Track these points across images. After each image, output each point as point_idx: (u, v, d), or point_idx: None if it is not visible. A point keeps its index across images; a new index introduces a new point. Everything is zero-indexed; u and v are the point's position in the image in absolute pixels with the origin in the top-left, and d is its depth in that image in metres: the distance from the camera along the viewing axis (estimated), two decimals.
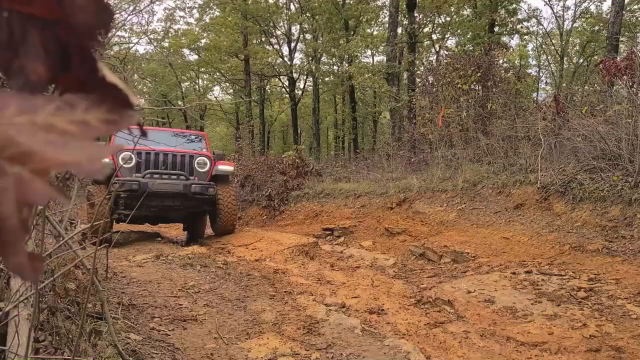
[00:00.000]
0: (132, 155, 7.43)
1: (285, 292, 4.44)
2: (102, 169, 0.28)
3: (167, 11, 25.07)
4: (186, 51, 25.73)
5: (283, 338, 3.15)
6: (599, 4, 24.57)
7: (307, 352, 2.89)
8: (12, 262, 0.26)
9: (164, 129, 9.92)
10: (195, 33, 24.56)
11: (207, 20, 23.78)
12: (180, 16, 31.90)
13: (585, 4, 23.77)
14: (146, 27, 22.27)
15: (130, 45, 22.52)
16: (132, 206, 5.85)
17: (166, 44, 25.19)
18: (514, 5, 22.13)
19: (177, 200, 7.84)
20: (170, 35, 24.96)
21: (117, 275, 4.99)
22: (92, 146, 0.29)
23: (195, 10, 24.74)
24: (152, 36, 23.81)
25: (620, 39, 21.31)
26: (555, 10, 29.32)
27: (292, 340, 3.12)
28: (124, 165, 7.43)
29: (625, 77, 8.70)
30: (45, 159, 0.27)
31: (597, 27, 23.07)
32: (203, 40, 24.44)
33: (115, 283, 4.59)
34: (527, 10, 24.04)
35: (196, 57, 25.62)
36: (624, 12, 18.16)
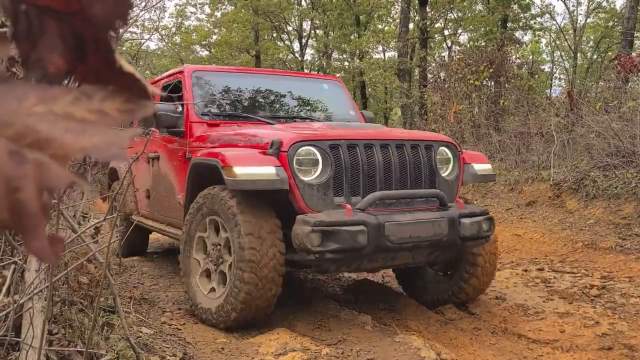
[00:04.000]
0: (317, 155, 3.20)
1: None
2: (120, 154, 0.28)
3: (178, 7, 25.12)
4: (197, 47, 25.81)
5: (293, 334, 3.16)
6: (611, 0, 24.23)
7: (317, 347, 2.90)
8: (34, 246, 0.27)
9: (265, 70, 5.37)
10: (206, 29, 24.62)
11: (219, 16, 23.83)
12: (191, 12, 32.06)
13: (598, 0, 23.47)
14: (158, 23, 22.37)
15: (142, 41, 22.62)
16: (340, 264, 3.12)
17: (177, 40, 25.28)
18: (527, 1, 21.92)
19: (428, 254, 3.42)
20: (181, 31, 25.04)
21: (129, 269, 5.03)
22: (110, 132, 0.30)
23: (206, 6, 24.79)
24: (163, 32, 23.91)
25: (635, 34, 21.03)
26: (568, 6, 29.01)
27: (302, 336, 3.13)
28: (308, 180, 3.15)
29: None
30: (65, 145, 0.27)
31: (611, 23, 22.77)
32: (214, 37, 24.50)
33: (127, 277, 4.63)
34: (540, 6, 23.77)
35: (207, 53, 25.69)
36: (639, 8, 17.90)
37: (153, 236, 6.09)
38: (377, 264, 3.33)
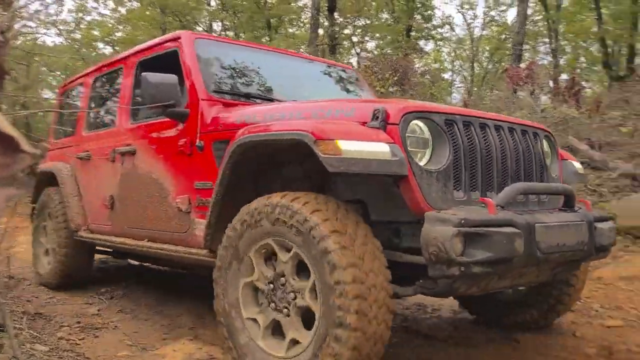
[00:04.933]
0: (426, 132, 2.35)
1: None
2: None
3: (77, 3, 23.72)
4: (100, 44, 24.54)
5: (200, 343, 3.13)
6: (504, 14, 26.18)
7: (224, 356, 2.89)
8: None
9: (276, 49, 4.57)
10: (110, 25, 23.48)
11: (124, 12, 22.82)
12: (92, 7, 30.33)
13: (492, 13, 25.26)
14: (55, 17, 21.00)
15: (38, 35, 21.13)
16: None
17: (78, 36, 23.88)
18: (429, 12, 23.10)
19: (553, 269, 2.68)
20: (81, 28, 23.68)
21: (23, 282, 4.70)
22: None
23: (110, 0, 23.63)
24: (62, 27, 22.47)
25: (525, 47, 22.84)
26: (466, 18, 30.94)
27: (209, 345, 3.10)
28: (426, 166, 2.29)
29: (526, 85, 9.42)
30: None
31: (503, 36, 24.57)
32: (118, 33, 23.42)
33: (20, 291, 4.33)
34: (441, 17, 25.19)
35: (111, 50, 24.50)
36: (527, 23, 19.50)
37: None
38: (503, 284, 2.50)
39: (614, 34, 20.72)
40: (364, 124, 2.28)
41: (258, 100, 3.29)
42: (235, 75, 3.50)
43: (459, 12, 33.97)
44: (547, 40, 24.77)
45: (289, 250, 2.30)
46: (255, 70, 3.63)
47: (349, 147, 2.07)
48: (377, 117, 2.24)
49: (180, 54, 3.36)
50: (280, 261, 2.34)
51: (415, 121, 2.29)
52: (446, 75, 24.37)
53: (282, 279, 2.34)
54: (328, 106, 2.58)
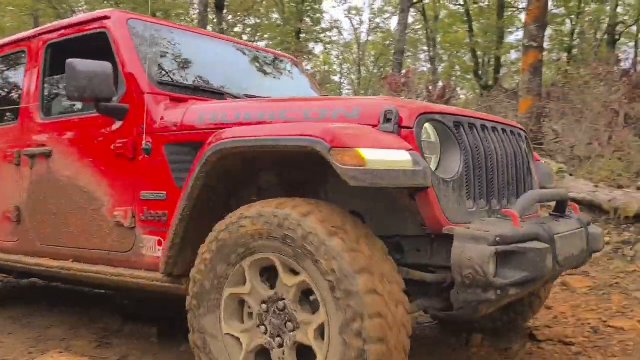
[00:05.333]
0: (434, 136, 2.09)
1: None
2: None
3: None
4: None
5: (71, 355, 2.81)
6: (388, 22, 27.32)
7: None
8: None
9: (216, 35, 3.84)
10: None
11: None
12: None
13: (378, 20, 26.23)
14: None
15: None
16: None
17: None
18: (317, 15, 23.35)
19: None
20: None
21: None
22: None
23: None
24: None
25: (407, 54, 23.97)
26: (353, 23, 31.80)
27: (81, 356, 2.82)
28: (441, 175, 2.03)
29: (403, 91, 9.76)
30: None
31: (387, 42, 25.61)
32: None
33: None
34: (329, 21, 25.60)
35: None
36: (408, 32, 20.47)
37: None
38: (507, 300, 2.15)
39: (483, 46, 22.56)
40: (372, 127, 1.95)
41: (205, 95, 2.84)
42: (179, 64, 3.00)
43: (347, 17, 34.85)
44: (426, 48, 26.28)
45: (295, 273, 1.91)
46: (200, 59, 3.15)
47: (373, 156, 1.75)
48: (390, 120, 1.93)
49: (110, 38, 2.78)
50: (283, 283, 1.94)
51: (426, 124, 2.03)
52: (335, 78, 24.84)
53: (281, 302, 1.95)
54: (322, 105, 2.21)
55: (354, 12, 27.11)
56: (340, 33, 25.72)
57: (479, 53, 23.34)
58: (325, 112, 2.12)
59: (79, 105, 3.04)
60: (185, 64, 3.03)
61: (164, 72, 2.81)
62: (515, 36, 22.10)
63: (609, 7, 20.86)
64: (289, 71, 3.84)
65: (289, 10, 21.93)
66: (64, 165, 2.91)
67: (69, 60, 2.45)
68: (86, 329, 3.34)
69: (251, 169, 2.29)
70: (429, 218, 1.94)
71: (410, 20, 21.69)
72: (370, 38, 26.56)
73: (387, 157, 1.78)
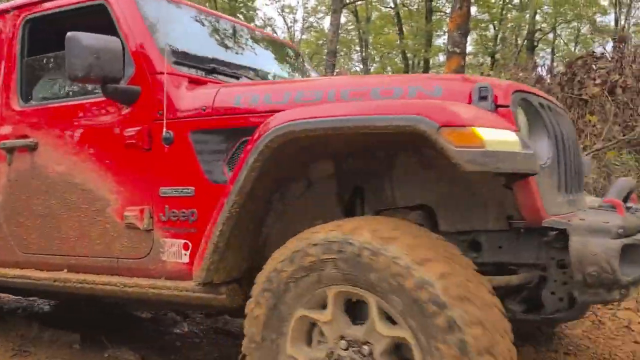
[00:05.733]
0: (522, 117, 1.86)
1: None
2: None
3: None
4: None
5: None
6: (321, 21, 27.31)
7: None
8: None
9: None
10: None
11: None
12: None
13: (311, 19, 26.19)
14: None
15: None
16: None
17: None
18: (251, 12, 22.89)
19: None
20: None
21: None
22: None
23: None
24: None
25: (340, 54, 24.05)
26: (287, 21, 31.49)
27: None
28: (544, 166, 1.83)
29: None
30: None
31: (320, 41, 25.62)
32: None
33: None
34: (263, 18, 25.18)
35: None
36: (341, 32, 20.53)
37: None
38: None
39: (412, 48, 23.15)
40: None
41: (219, 78, 2.50)
42: (192, 42, 2.62)
43: (280, 15, 34.39)
44: (359, 48, 26.53)
45: (391, 320, 1.61)
46: (212, 38, 2.81)
47: (491, 136, 1.53)
48: (485, 97, 1.70)
49: (112, 11, 2.38)
50: (375, 330, 1.63)
51: (526, 103, 1.84)
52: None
53: (367, 347, 1.65)
54: (394, 82, 1.96)
55: (287, 10, 26.78)
56: (274, 31, 25.35)
57: (409, 55, 23.94)
58: (400, 91, 1.84)
59: (70, 89, 2.60)
60: (197, 42, 2.68)
61: (177, 51, 2.44)
62: (443, 39, 22.81)
63: (528, 15, 22.02)
64: (293, 56, 3.56)
65: (221, 6, 21.32)
66: (55, 159, 2.47)
67: (70, 34, 2.06)
68: (0, 338, 3.15)
69: (304, 157, 2.01)
70: (527, 209, 1.73)
71: (343, 20, 21.81)
72: (304, 37, 26.45)
73: (502, 137, 1.57)
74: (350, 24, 25.65)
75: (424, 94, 1.81)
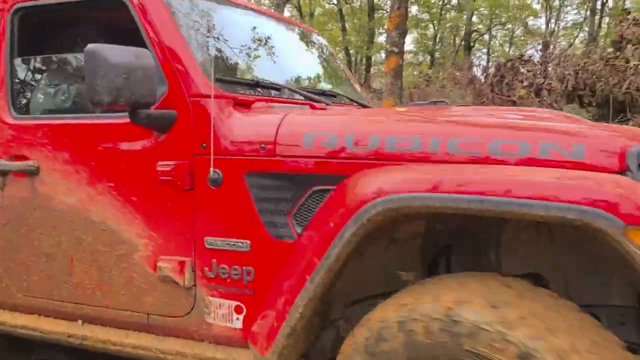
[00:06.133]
0: None
1: None
2: None
3: None
4: None
5: None
6: None
7: None
8: None
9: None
10: None
11: None
12: None
13: None
14: None
15: None
16: None
17: None
18: None
19: None
20: None
21: None
22: None
23: None
24: None
25: None
26: None
27: None
28: None
29: None
30: None
31: None
32: None
33: None
34: None
35: None
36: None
37: None
38: None
39: (355, 45, 22.84)
40: (607, 171, 1.38)
41: (264, 92, 2.10)
42: (232, 50, 2.13)
43: None
44: None
45: None
46: (254, 42, 2.32)
47: None
48: None
49: (136, 11, 1.86)
50: None
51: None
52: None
53: None
54: (518, 135, 1.52)
55: None
56: None
57: (352, 51, 23.62)
58: (526, 148, 1.47)
59: (82, 102, 2.12)
60: (239, 50, 2.19)
61: (222, 65, 1.97)
62: (384, 37, 22.45)
63: (466, 16, 22.22)
64: (323, 50, 3.05)
65: None
66: (64, 188, 1.99)
67: (93, 47, 1.57)
68: None
69: (398, 220, 1.64)
70: None
71: (286, 15, 20.85)
72: None
73: None
74: (293, 19, 24.65)
75: (560, 155, 1.45)
